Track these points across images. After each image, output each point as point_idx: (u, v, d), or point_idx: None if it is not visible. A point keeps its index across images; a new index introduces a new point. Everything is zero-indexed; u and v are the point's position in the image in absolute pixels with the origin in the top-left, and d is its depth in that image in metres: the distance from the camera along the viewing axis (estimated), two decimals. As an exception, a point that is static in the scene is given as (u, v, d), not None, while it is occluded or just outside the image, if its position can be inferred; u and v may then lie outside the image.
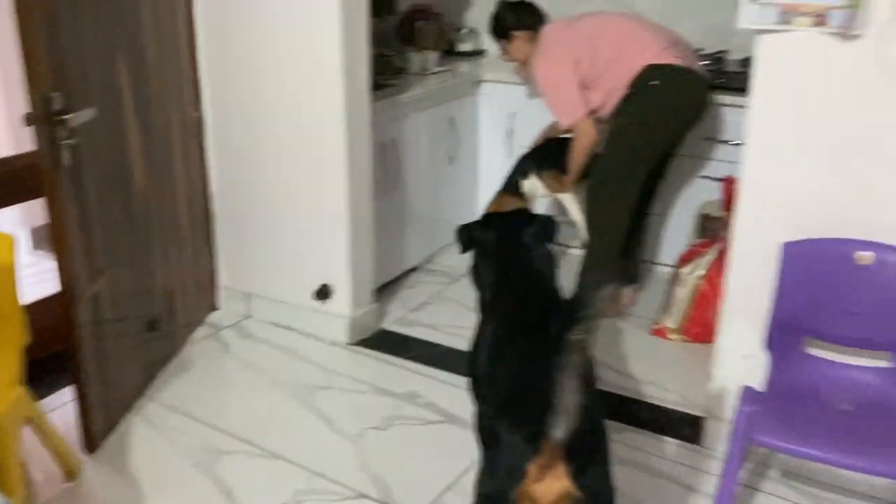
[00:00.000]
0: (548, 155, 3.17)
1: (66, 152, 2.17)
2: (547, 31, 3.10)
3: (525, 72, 3.24)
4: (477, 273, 1.97)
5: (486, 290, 1.91)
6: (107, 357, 2.45)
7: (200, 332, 3.07)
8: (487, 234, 1.95)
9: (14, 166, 2.76)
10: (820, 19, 1.95)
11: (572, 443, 1.33)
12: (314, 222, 2.91)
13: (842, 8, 1.91)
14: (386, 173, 3.20)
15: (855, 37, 1.93)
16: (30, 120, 2.13)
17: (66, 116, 2.14)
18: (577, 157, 3.04)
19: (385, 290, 3.34)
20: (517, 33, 3.13)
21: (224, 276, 3.19)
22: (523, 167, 3.18)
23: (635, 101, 2.90)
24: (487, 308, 1.87)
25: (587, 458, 1.38)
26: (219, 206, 3.10)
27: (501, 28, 3.17)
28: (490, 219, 2.03)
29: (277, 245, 3.03)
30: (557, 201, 3.23)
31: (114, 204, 2.49)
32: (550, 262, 1.91)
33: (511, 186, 3.17)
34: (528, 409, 1.41)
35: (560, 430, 1.29)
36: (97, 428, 2.39)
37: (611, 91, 2.95)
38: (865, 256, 1.99)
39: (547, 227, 1.95)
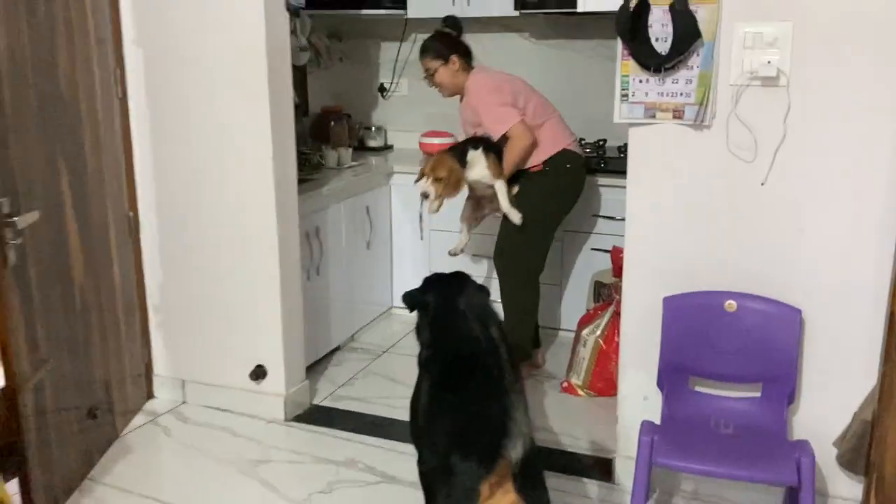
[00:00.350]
0: (494, 146, 3.31)
1: (12, 252, 2.34)
2: (484, 66, 3.46)
3: (446, 93, 3.47)
4: (419, 331, 2.26)
5: (424, 349, 2.20)
6: (49, 443, 2.56)
7: (138, 419, 3.19)
8: (427, 299, 2.26)
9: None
10: (677, 114, 2.40)
11: (519, 463, 1.63)
12: (248, 308, 3.13)
13: (693, 104, 2.37)
14: (311, 259, 3.47)
15: (705, 126, 2.39)
16: (-24, 225, 2.31)
17: (14, 219, 2.31)
18: (513, 156, 3.25)
19: (312, 369, 3.55)
20: (455, 58, 3.37)
21: (159, 365, 3.34)
22: (474, 141, 3.31)
23: (553, 178, 3.34)
24: (424, 364, 2.15)
25: (528, 477, 1.68)
26: (153, 299, 3.27)
27: (443, 49, 3.38)
28: (429, 285, 2.34)
29: (212, 332, 3.22)
30: (489, 185, 3.33)
31: (55, 298, 2.65)
32: (482, 325, 2.22)
33: (457, 150, 3.29)
34: (478, 440, 1.69)
35: (517, 450, 1.59)
36: (40, 510, 2.49)
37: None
38: (731, 305, 2.40)
39: (480, 293, 2.27)
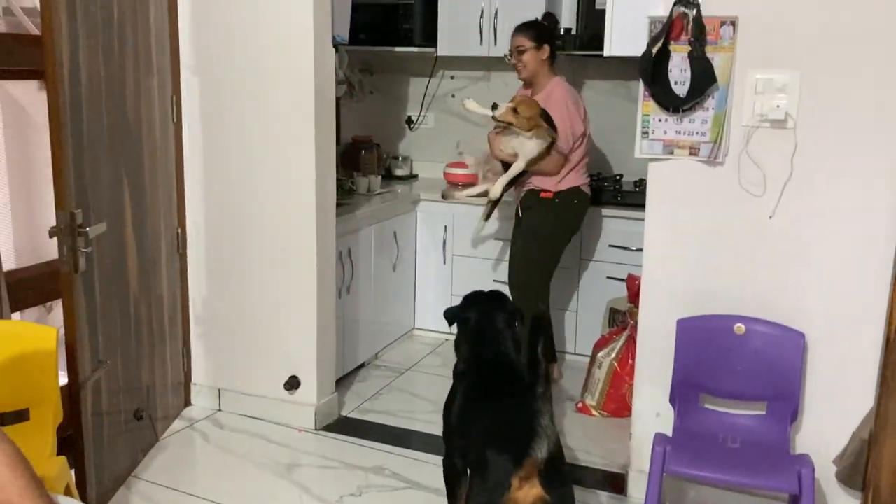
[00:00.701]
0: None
1: (82, 259, 2.56)
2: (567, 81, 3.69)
3: (525, 73, 3.64)
4: (458, 344, 2.47)
5: (461, 361, 2.41)
6: (102, 440, 2.76)
7: (177, 424, 3.38)
8: (466, 315, 2.48)
9: (27, 275, 3.14)
10: (693, 151, 2.62)
11: (544, 462, 1.84)
12: (285, 322, 3.34)
13: (708, 142, 2.60)
14: (342, 279, 3.68)
15: (718, 163, 2.61)
16: (54, 233, 2.54)
17: (86, 229, 2.55)
18: (533, 164, 3.52)
19: (340, 383, 3.73)
20: (547, 48, 3.59)
21: (197, 374, 3.55)
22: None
23: (559, 208, 3.61)
24: (461, 375, 2.36)
25: (553, 474, 1.88)
26: (196, 311, 3.49)
27: (542, 35, 3.60)
28: (469, 303, 2.54)
29: (249, 344, 3.43)
30: (513, 155, 3.56)
31: (114, 304, 2.87)
32: (514, 342, 2.43)
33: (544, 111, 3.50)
34: (510, 440, 1.91)
35: (542, 451, 1.80)
36: (90, 501, 2.68)
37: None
38: (740, 328, 2.60)
39: (514, 314, 2.48)
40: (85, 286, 2.61)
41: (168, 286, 3.32)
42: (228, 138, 3.29)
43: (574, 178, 3.64)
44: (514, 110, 3.43)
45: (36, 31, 3.75)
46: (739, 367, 2.58)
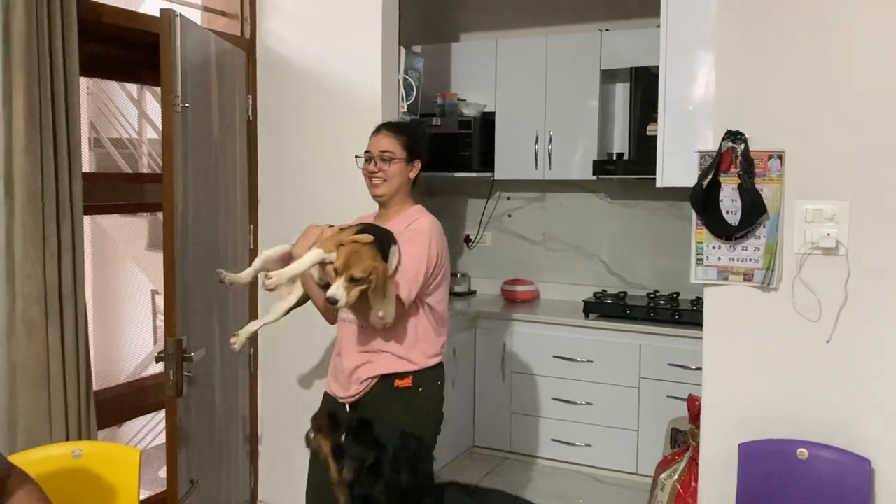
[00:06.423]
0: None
1: (185, 384, 2.76)
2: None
3: (384, 189, 2.62)
4: None
5: None
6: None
7: (241, 543, 3.50)
8: None
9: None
10: (747, 277, 2.74)
11: None
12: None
13: (761, 269, 2.71)
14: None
15: (772, 288, 2.71)
16: (161, 358, 2.75)
17: (190, 355, 2.76)
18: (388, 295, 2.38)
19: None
20: (419, 166, 2.66)
21: (263, 492, 3.67)
22: (386, 232, 2.50)
23: (425, 400, 2.76)
24: None
25: None
26: (263, 429, 3.64)
27: (420, 147, 2.67)
28: None
29: (313, 462, 3.55)
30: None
31: (203, 425, 3.06)
32: None
33: (375, 243, 2.39)
34: None
35: None
36: None
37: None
38: (803, 453, 2.64)
39: None
40: (185, 407, 2.81)
41: (241, 405, 3.50)
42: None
43: (440, 340, 2.68)
44: (354, 280, 2.31)
45: (122, 163, 4.14)
46: (804, 494, 2.61)
